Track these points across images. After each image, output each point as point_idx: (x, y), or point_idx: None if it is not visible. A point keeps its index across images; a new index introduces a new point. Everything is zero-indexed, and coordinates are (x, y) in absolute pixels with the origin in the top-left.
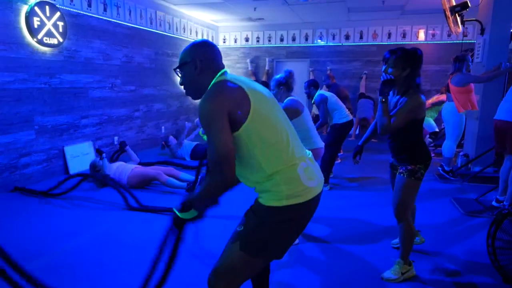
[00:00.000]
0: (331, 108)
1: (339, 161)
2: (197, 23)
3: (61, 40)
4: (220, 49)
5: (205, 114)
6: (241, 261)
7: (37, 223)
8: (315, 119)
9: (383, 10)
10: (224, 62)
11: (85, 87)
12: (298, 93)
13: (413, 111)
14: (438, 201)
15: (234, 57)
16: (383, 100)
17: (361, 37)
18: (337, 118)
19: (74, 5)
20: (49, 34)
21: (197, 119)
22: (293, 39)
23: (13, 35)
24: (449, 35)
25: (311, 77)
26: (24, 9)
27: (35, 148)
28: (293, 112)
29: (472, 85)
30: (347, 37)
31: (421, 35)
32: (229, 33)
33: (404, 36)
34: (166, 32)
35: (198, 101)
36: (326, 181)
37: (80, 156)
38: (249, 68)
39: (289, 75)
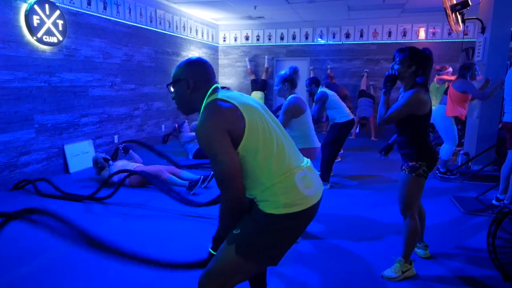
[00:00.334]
0: (332, 107)
1: (339, 159)
2: (197, 22)
3: (60, 38)
4: (220, 48)
5: (205, 137)
6: (236, 264)
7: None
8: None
9: (384, 8)
10: (224, 61)
11: (85, 85)
12: (302, 89)
13: (409, 105)
14: (438, 199)
15: (234, 56)
16: (385, 92)
17: (361, 36)
18: (338, 117)
19: (73, 3)
20: (48, 32)
21: None
22: (293, 38)
23: (12, 34)
24: (449, 34)
25: (311, 75)
26: (24, 7)
27: (35, 147)
28: (296, 110)
29: (469, 95)
30: (347, 36)
31: (422, 34)
32: (229, 32)
33: (404, 34)
34: (166, 31)
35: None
36: (327, 180)
37: (80, 154)
38: (248, 67)
39: (294, 72)
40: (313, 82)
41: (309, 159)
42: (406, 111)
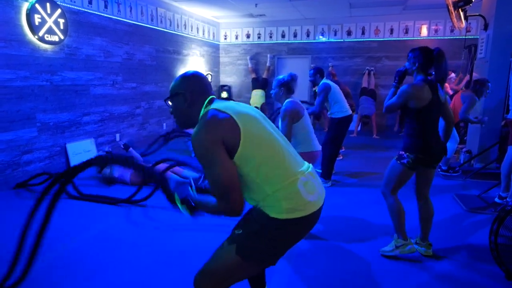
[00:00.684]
0: (332, 100)
1: (341, 157)
2: (198, 20)
3: (62, 37)
4: (221, 46)
5: (200, 147)
6: (234, 264)
7: (39, 219)
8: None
9: (385, 5)
10: (225, 59)
11: (87, 84)
12: (301, 93)
13: (400, 97)
14: (441, 197)
15: (235, 54)
16: (395, 85)
17: (363, 33)
18: (336, 112)
19: (75, 2)
20: (50, 31)
21: None
22: (295, 36)
23: (14, 32)
24: (452, 31)
25: None
26: (25, 6)
27: (37, 145)
28: (293, 114)
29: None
30: (349, 33)
31: (424, 31)
32: (230, 30)
33: (406, 31)
34: (167, 29)
35: None
36: (328, 178)
37: (82, 153)
38: (249, 65)
39: (291, 79)
40: (318, 72)
41: (310, 164)
42: (399, 102)
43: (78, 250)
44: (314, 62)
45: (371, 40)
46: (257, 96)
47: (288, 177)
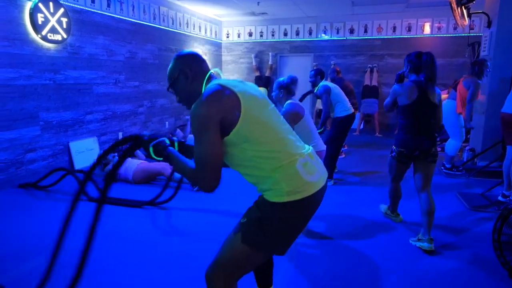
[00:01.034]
0: (334, 100)
1: (343, 156)
2: (200, 18)
3: (65, 36)
4: (224, 44)
5: (197, 119)
6: (242, 253)
7: (41, 218)
8: (320, 113)
9: (388, 3)
10: (228, 57)
11: (89, 83)
12: (303, 89)
13: (391, 95)
14: (444, 195)
15: (238, 52)
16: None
17: (365, 31)
18: (339, 111)
19: (77, 1)
20: (53, 30)
21: None
22: (297, 34)
23: (17, 32)
24: (455, 28)
25: None
26: (28, 5)
27: (41, 144)
28: (294, 115)
29: (479, 93)
30: (351, 31)
31: (427, 28)
32: (233, 28)
33: (409, 29)
34: (170, 28)
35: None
36: (330, 176)
37: (85, 151)
38: (253, 63)
39: (291, 81)
40: (319, 74)
41: (310, 146)
42: (390, 100)
43: (80, 250)
44: (317, 60)
45: (374, 38)
46: None
47: (286, 158)
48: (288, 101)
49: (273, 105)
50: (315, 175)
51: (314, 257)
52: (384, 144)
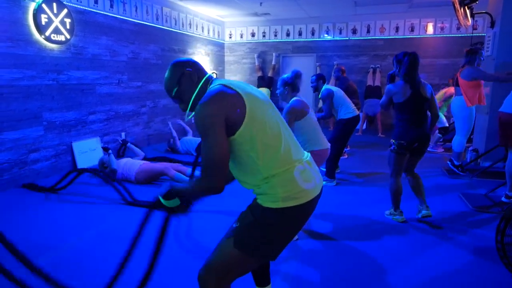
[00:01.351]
0: (337, 103)
1: (346, 156)
2: (203, 19)
3: (68, 36)
4: (226, 45)
5: (203, 119)
6: (234, 258)
7: (45, 218)
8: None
9: (391, 3)
10: (230, 57)
11: (92, 83)
12: (305, 91)
13: (387, 94)
14: (447, 196)
15: (240, 53)
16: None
17: (368, 31)
18: (343, 114)
19: (81, 2)
20: (56, 31)
21: None
22: (300, 34)
23: (21, 32)
24: (458, 28)
25: (318, 72)
26: (32, 6)
27: (44, 144)
28: (298, 112)
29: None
30: (354, 31)
31: (430, 29)
32: (235, 28)
33: (412, 29)
34: (172, 28)
35: None
36: (333, 177)
37: (88, 151)
38: (256, 63)
39: (296, 76)
40: (320, 78)
41: (309, 153)
42: (386, 99)
43: (84, 249)
44: (319, 60)
45: (376, 38)
46: None
47: (285, 164)
48: (294, 98)
49: (275, 107)
50: (311, 183)
51: (316, 257)
52: (386, 145)
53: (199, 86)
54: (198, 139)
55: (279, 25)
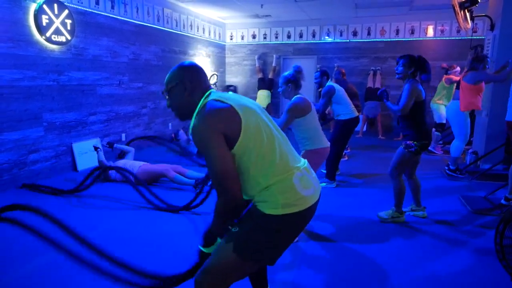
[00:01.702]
0: (337, 102)
1: (346, 158)
2: (204, 20)
3: (69, 37)
4: (227, 46)
5: (200, 136)
6: (233, 263)
7: (44, 219)
8: (323, 113)
9: (391, 6)
10: (231, 59)
11: (93, 84)
12: (306, 90)
13: (413, 94)
14: (446, 198)
15: (241, 54)
16: (386, 100)
17: (368, 34)
18: (342, 114)
19: (82, 3)
20: (57, 31)
21: None
22: (300, 36)
23: (22, 33)
24: (458, 31)
25: None
26: (33, 7)
27: (44, 145)
28: (301, 110)
29: (483, 85)
30: (354, 34)
31: (430, 31)
32: (236, 30)
33: (412, 32)
34: (173, 29)
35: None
36: (333, 178)
37: (88, 152)
38: (257, 65)
39: (297, 72)
40: (325, 74)
41: (306, 160)
42: (411, 99)
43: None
44: (320, 62)
45: (377, 41)
46: (263, 96)
47: (284, 171)
48: (297, 96)
49: (269, 115)
50: (310, 189)
51: (317, 258)
52: (387, 147)
53: (190, 97)
54: None
55: (280, 27)
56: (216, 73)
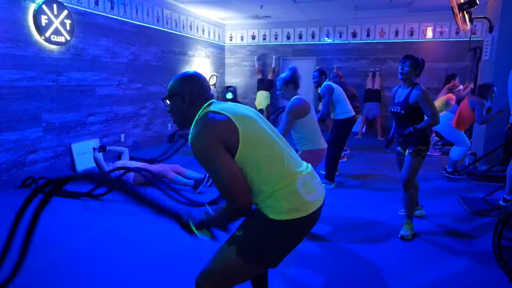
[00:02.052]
0: (335, 100)
1: (345, 159)
2: (203, 21)
3: (68, 38)
4: (227, 47)
5: (200, 151)
6: (236, 266)
7: (44, 219)
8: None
9: (391, 7)
10: (231, 60)
11: (92, 84)
12: (304, 90)
13: (431, 99)
14: (445, 199)
15: (241, 55)
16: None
17: (368, 35)
18: (340, 113)
19: (81, 3)
20: (56, 32)
21: None
22: (300, 37)
23: (21, 33)
24: (457, 33)
25: None
26: (32, 7)
27: (43, 145)
28: (300, 111)
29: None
30: (354, 35)
31: (429, 33)
32: (236, 31)
33: (411, 33)
34: (173, 30)
35: None
36: (332, 179)
37: (87, 153)
38: (256, 66)
39: (295, 72)
40: (323, 74)
41: (309, 164)
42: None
43: (82, 249)
44: (319, 63)
45: (376, 42)
46: (262, 97)
47: (286, 177)
48: (295, 96)
49: (268, 121)
50: (314, 194)
51: (315, 259)
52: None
53: (188, 109)
54: None
55: (279, 28)
56: (216, 74)
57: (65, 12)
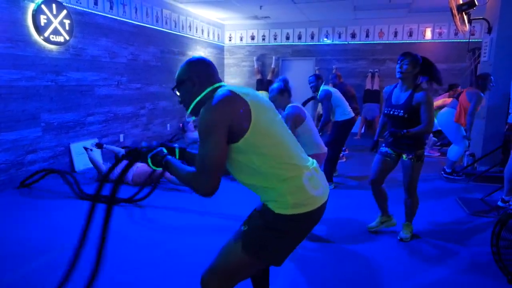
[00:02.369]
0: (334, 104)
1: (344, 160)
2: (203, 21)
3: (67, 38)
4: (226, 47)
5: (205, 122)
6: (241, 261)
7: (43, 219)
8: (321, 117)
9: (390, 8)
10: (230, 60)
11: (91, 84)
12: (300, 95)
13: (433, 105)
14: (443, 200)
15: (240, 55)
16: (406, 133)
17: (367, 36)
18: (339, 115)
19: (80, 3)
20: (55, 32)
21: None
22: (299, 38)
23: (20, 33)
24: (456, 34)
25: None
26: (31, 7)
27: (42, 145)
28: (297, 119)
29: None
30: (353, 36)
31: (428, 34)
32: (235, 31)
33: (410, 34)
34: (172, 30)
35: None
36: (330, 180)
37: (85, 153)
38: (255, 66)
39: (287, 81)
40: (319, 78)
41: (314, 160)
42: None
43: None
44: (319, 64)
45: (375, 43)
46: None
47: (293, 170)
48: (290, 104)
49: (279, 115)
50: (319, 189)
51: (314, 260)
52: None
53: (203, 93)
54: None
55: (278, 29)
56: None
57: (64, 12)
